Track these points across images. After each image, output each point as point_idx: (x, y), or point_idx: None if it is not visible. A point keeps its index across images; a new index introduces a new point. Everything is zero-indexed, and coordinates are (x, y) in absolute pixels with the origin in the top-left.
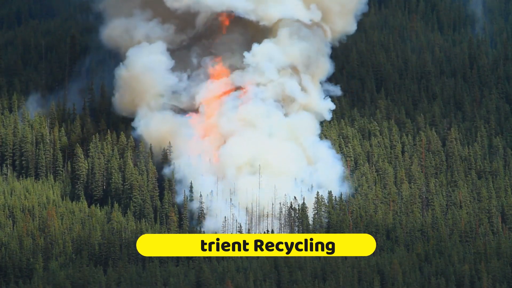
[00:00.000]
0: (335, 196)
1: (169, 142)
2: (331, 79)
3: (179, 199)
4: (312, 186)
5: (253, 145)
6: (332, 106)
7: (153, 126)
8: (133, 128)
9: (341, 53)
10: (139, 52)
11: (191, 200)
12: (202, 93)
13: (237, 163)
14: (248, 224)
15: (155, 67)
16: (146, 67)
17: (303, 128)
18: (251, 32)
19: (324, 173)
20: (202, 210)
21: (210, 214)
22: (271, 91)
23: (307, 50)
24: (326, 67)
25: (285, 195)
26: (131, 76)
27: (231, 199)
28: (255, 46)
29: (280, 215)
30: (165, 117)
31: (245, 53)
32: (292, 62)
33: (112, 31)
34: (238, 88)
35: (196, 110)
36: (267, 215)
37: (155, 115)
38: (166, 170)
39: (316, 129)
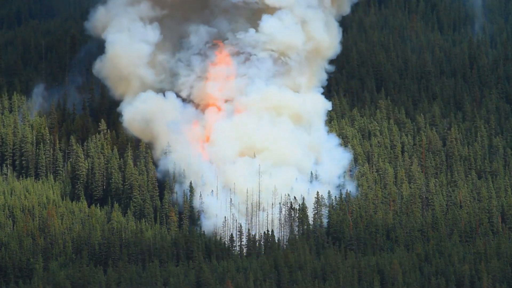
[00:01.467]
0: (335, 196)
1: (168, 142)
2: (331, 79)
3: (179, 199)
4: (315, 177)
5: (253, 131)
6: (329, 106)
7: (137, 114)
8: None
9: (341, 53)
10: (119, 40)
11: (191, 199)
12: (195, 73)
13: (233, 152)
14: (248, 224)
15: (137, 56)
16: (128, 56)
17: (310, 112)
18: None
19: (329, 170)
20: (202, 210)
21: (210, 214)
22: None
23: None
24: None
25: (286, 194)
26: (112, 67)
27: (231, 199)
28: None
29: (280, 215)
30: (150, 103)
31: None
32: (295, 42)
33: (98, 20)
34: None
35: (187, 94)
36: (267, 215)
37: (139, 102)
38: (164, 169)
39: (324, 114)
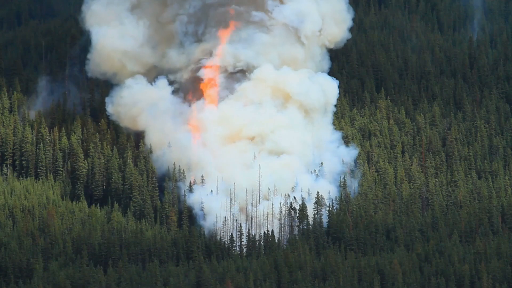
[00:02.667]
0: (336, 196)
1: (168, 142)
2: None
3: (179, 198)
4: (316, 175)
5: (256, 120)
6: (333, 108)
7: (122, 101)
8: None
9: (341, 53)
10: (105, 33)
11: (189, 195)
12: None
13: (228, 143)
14: (248, 224)
15: (124, 49)
16: (115, 51)
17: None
18: None
19: (331, 166)
20: (202, 210)
21: (210, 214)
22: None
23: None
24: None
25: (286, 194)
26: (102, 63)
27: (231, 199)
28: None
29: (280, 215)
30: (136, 89)
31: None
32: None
33: (86, 13)
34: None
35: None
36: (267, 214)
37: (124, 89)
38: (161, 172)
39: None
